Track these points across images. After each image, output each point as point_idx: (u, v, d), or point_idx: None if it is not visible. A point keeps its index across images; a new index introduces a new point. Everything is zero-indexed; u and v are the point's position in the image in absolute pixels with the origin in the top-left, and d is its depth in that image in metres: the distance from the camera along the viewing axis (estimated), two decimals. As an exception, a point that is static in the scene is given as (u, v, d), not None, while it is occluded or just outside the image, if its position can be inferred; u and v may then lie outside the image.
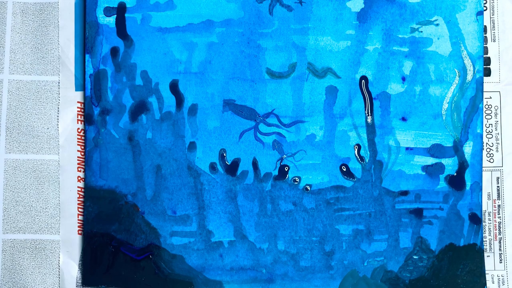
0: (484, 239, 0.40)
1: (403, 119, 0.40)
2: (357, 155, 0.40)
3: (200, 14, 0.41)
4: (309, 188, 0.40)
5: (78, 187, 0.42)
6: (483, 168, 0.40)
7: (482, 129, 0.40)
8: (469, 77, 0.40)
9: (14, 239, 0.42)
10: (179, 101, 0.41)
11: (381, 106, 0.40)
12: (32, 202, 0.42)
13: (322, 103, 0.40)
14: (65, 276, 0.41)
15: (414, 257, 0.40)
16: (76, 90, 0.42)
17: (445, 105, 0.40)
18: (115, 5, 0.41)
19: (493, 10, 0.41)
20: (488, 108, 0.41)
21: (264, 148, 0.41)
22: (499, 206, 0.41)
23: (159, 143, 0.41)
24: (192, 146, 0.41)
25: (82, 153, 0.42)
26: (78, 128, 0.42)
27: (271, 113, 0.41)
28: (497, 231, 0.41)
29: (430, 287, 0.40)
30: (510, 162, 0.41)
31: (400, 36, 0.40)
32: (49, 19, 0.42)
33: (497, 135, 0.41)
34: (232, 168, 0.41)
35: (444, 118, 0.40)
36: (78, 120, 0.42)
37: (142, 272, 0.41)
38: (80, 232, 0.42)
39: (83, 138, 0.42)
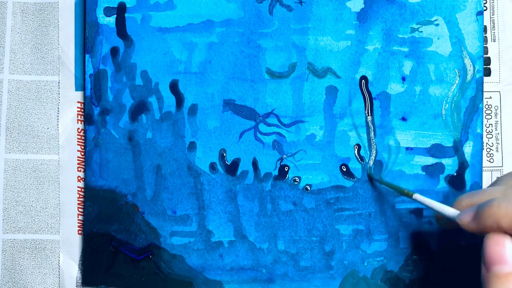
0: (484, 239, 0.40)
1: (403, 119, 0.40)
2: (357, 155, 0.40)
3: (200, 14, 0.41)
4: (309, 188, 0.40)
5: (78, 187, 0.42)
6: (483, 168, 0.40)
7: (482, 129, 0.40)
8: (469, 77, 0.40)
9: (14, 239, 0.42)
10: (179, 101, 0.41)
11: (381, 106, 0.40)
12: (32, 202, 0.42)
13: (322, 103, 0.40)
14: (65, 276, 0.41)
15: (414, 257, 0.40)
16: (76, 90, 0.42)
17: (445, 105, 0.40)
18: (115, 5, 0.41)
19: (493, 10, 0.41)
20: (488, 108, 0.41)
21: (264, 148, 0.41)
22: (499, 206, 0.41)
23: (159, 143, 0.41)
24: (192, 146, 0.41)
25: (82, 153, 0.42)
26: (78, 128, 0.42)
27: (271, 113, 0.41)
28: (497, 231, 0.41)
29: (430, 287, 0.40)
30: (510, 162, 0.41)
31: (400, 36, 0.40)
32: (49, 19, 0.42)
33: (497, 135, 0.41)
34: (232, 168, 0.41)
35: (444, 118, 0.40)
36: (78, 120, 0.42)
37: (142, 272, 0.41)
38: (80, 232, 0.42)
39: (83, 138, 0.42)
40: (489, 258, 0.27)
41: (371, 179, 0.39)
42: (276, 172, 0.41)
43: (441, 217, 0.34)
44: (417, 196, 0.34)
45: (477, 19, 0.40)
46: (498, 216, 0.27)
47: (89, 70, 0.41)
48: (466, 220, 0.30)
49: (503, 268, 0.27)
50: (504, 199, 0.28)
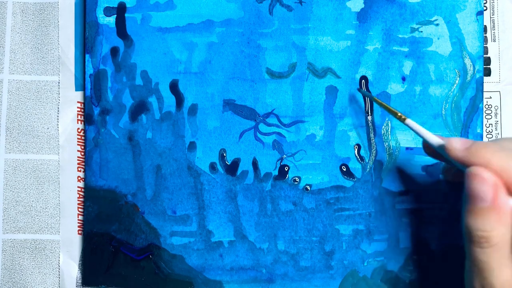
0: (484, 239, 0.40)
1: (403, 119, 0.40)
2: (357, 155, 0.40)
3: (200, 14, 0.41)
4: (309, 188, 0.40)
5: (78, 187, 0.42)
6: (483, 168, 0.40)
7: (482, 129, 0.40)
8: (469, 77, 0.40)
9: (14, 239, 0.42)
10: (179, 101, 0.41)
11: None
12: (32, 202, 0.42)
13: (322, 103, 0.40)
14: (65, 276, 0.41)
15: (414, 257, 0.40)
16: (76, 90, 0.42)
17: (445, 105, 0.40)
18: (115, 5, 0.41)
19: (493, 10, 0.41)
20: (488, 108, 0.41)
21: (264, 148, 0.41)
22: (499, 206, 0.41)
23: (159, 143, 0.41)
24: (192, 146, 0.41)
25: (82, 153, 0.42)
26: (78, 128, 0.42)
27: (271, 113, 0.41)
28: (497, 231, 0.41)
29: (430, 287, 0.40)
30: (510, 162, 0.41)
31: (400, 36, 0.40)
32: (49, 19, 0.42)
33: (497, 135, 0.41)
34: (232, 168, 0.41)
35: (444, 118, 0.40)
36: (78, 120, 0.42)
37: (142, 272, 0.41)
38: (80, 232, 0.42)
39: (83, 138, 0.42)
40: (470, 193, 0.29)
41: (364, 95, 0.40)
42: (276, 172, 0.41)
43: (428, 145, 0.35)
44: (409, 121, 0.35)
45: (477, 19, 0.40)
46: (491, 156, 0.29)
47: (89, 70, 0.41)
48: (456, 146, 0.31)
49: (482, 204, 0.29)
50: (502, 149, 0.29)
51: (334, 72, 0.40)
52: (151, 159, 0.41)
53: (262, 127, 0.41)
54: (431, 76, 0.40)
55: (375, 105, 0.40)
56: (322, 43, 0.40)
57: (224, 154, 0.41)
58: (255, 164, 0.41)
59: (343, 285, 0.40)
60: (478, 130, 0.40)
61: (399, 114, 0.36)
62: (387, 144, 0.40)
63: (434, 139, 0.33)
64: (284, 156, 0.41)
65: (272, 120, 0.41)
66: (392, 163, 0.40)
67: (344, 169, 0.40)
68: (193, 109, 0.41)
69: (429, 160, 0.40)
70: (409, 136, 0.40)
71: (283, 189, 0.40)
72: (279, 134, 0.41)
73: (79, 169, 0.42)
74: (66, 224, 0.42)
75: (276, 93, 0.40)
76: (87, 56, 0.41)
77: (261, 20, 0.40)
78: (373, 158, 0.40)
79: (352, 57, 0.40)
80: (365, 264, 0.40)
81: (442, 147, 0.32)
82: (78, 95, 0.42)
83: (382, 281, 0.40)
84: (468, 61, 0.40)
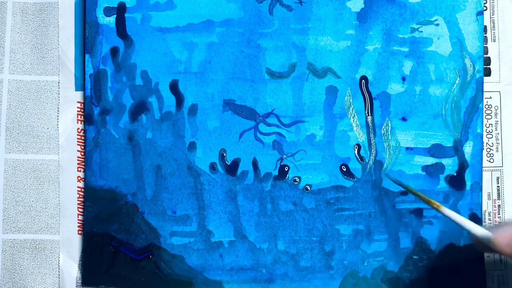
0: (484, 239, 0.40)
1: (403, 119, 0.40)
2: (357, 155, 0.40)
3: (200, 14, 0.41)
4: (309, 188, 0.40)
5: (78, 187, 0.42)
6: (483, 168, 0.40)
7: (482, 129, 0.40)
8: (469, 77, 0.40)
9: (14, 239, 0.42)
10: (179, 101, 0.41)
11: (381, 106, 0.40)
12: (32, 202, 0.42)
13: (322, 103, 0.40)
14: (65, 276, 0.41)
15: (414, 257, 0.40)
16: (76, 90, 0.42)
17: (445, 105, 0.40)
18: (115, 5, 0.41)
19: (493, 10, 0.41)
20: (488, 108, 0.41)
21: (264, 148, 0.41)
22: (499, 206, 0.41)
23: (159, 143, 0.41)
24: (192, 146, 0.41)
25: (82, 153, 0.42)
26: (78, 128, 0.42)
27: (271, 113, 0.41)
28: (497, 231, 0.41)
29: (430, 287, 0.40)
30: (510, 162, 0.41)
31: (400, 36, 0.40)
32: (49, 19, 0.42)
33: (497, 135, 0.41)
34: (232, 168, 0.41)
35: (444, 118, 0.40)
36: (78, 120, 0.42)
37: (142, 272, 0.41)
38: (80, 232, 0.42)
39: (83, 138, 0.42)
40: None
41: (397, 183, 0.38)
42: (276, 172, 0.41)
43: (478, 241, 0.32)
44: (445, 209, 0.33)
45: (477, 19, 0.40)
46: None
47: (89, 70, 0.41)
48: (503, 243, 0.29)
49: None
50: None
51: (334, 72, 0.40)
52: (151, 159, 0.41)
53: (262, 127, 0.41)
54: (431, 76, 0.40)
55: (375, 105, 0.40)
56: (322, 43, 0.40)
57: (224, 154, 0.41)
58: (255, 164, 0.41)
59: (343, 285, 0.40)
60: (478, 130, 0.40)
61: (432, 201, 0.33)
62: (387, 144, 0.40)
63: (480, 231, 0.31)
64: (284, 156, 0.41)
65: (272, 120, 0.41)
66: (392, 163, 0.40)
67: (344, 169, 0.40)
68: (193, 109, 0.41)
69: (429, 160, 0.40)
70: (409, 136, 0.40)
71: (283, 189, 0.40)
72: (279, 134, 0.41)
73: (79, 169, 0.42)
74: (66, 224, 0.42)
75: (276, 93, 0.40)
76: (87, 56, 0.41)
77: (261, 20, 0.40)
78: (373, 158, 0.40)
79: (352, 57, 0.40)
80: (365, 264, 0.40)
81: (487, 240, 0.30)
82: (78, 95, 0.42)
83: (382, 281, 0.40)
84: (468, 61, 0.40)
